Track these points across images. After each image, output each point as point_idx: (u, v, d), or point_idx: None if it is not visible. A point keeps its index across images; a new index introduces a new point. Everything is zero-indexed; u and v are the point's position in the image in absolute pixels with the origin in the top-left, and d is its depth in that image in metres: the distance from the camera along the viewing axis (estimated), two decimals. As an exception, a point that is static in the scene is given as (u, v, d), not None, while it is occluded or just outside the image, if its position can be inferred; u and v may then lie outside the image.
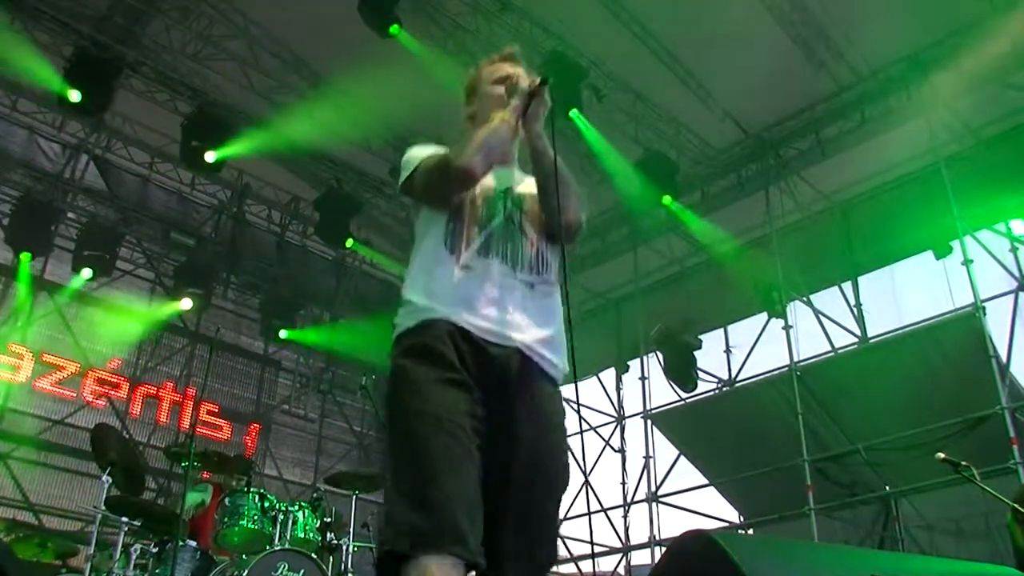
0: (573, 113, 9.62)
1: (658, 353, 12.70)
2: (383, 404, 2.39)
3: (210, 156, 10.39)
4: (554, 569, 2.20)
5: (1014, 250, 9.92)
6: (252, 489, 5.81)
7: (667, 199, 10.81)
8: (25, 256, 10.50)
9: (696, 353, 12.40)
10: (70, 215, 11.16)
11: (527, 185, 2.66)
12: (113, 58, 9.69)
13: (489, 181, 2.57)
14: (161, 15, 10.01)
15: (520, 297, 2.44)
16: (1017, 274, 9.87)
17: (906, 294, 10.62)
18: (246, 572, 5.08)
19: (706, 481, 11.95)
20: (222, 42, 10.43)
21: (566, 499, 2.42)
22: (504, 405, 2.27)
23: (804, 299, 11.45)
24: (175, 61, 10.43)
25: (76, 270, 10.86)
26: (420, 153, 2.60)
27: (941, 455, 4.80)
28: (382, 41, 9.11)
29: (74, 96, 9.24)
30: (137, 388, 11.34)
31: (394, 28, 9.06)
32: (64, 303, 11.17)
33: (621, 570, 12.67)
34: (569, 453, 2.42)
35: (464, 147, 2.46)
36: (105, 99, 9.63)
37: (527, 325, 2.40)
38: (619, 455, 13.51)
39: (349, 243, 12.07)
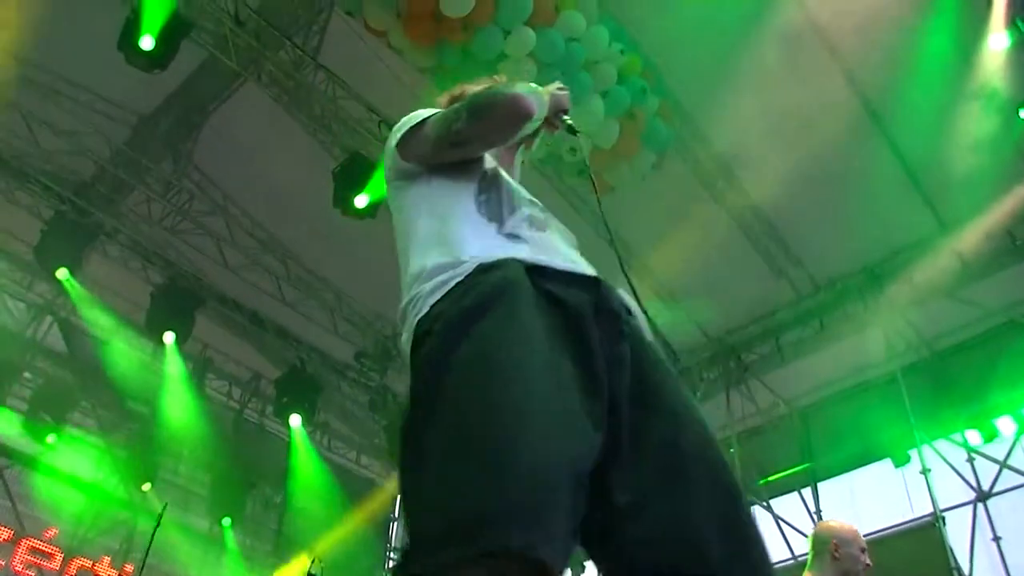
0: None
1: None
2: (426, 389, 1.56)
3: (168, 337, 10.49)
4: None
5: (971, 461, 10.00)
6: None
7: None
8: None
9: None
10: (26, 375, 10.99)
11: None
12: (90, 223, 9.84)
13: (505, 174, 2.14)
14: (144, 187, 10.28)
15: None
16: (975, 485, 9.90)
17: (866, 501, 10.56)
18: None
19: None
20: (199, 217, 10.67)
21: None
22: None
23: (764, 504, 11.35)
24: (151, 231, 10.59)
25: (25, 430, 10.59)
26: (428, 109, 2.14)
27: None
28: (354, 225, 9.23)
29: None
30: (71, 561, 10.78)
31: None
32: (4, 464, 10.84)
33: None
34: None
35: (513, 84, 2.06)
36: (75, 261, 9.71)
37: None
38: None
39: (295, 421, 11.91)
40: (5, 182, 9.64)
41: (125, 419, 11.81)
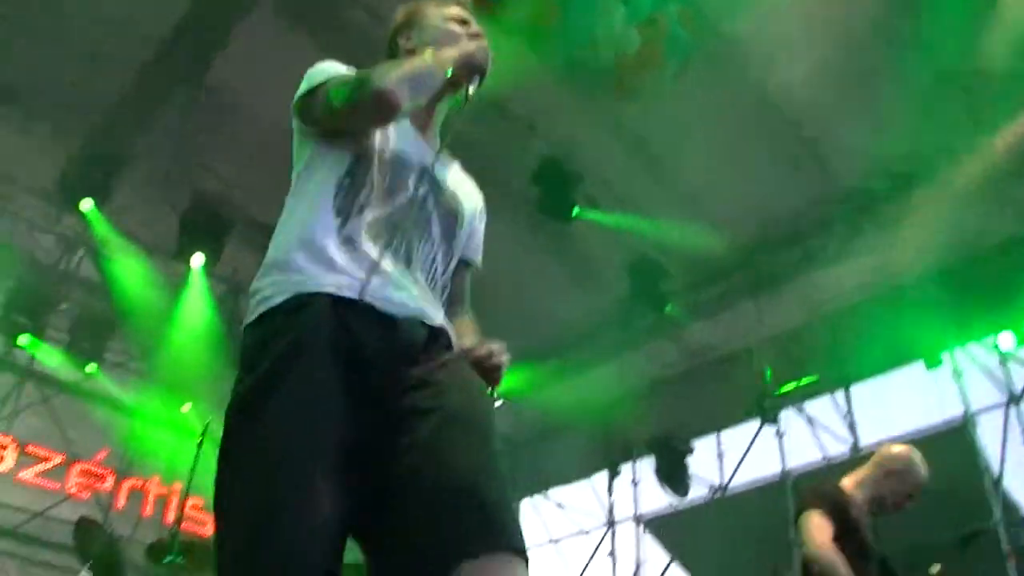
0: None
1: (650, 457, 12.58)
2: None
3: (197, 260, 10.58)
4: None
5: (1004, 363, 9.96)
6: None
7: (670, 307, 10.97)
8: (24, 339, 10.46)
9: (688, 458, 12.27)
10: (63, 306, 11.13)
11: (453, 173, 2.24)
12: (113, 153, 9.80)
13: (400, 145, 2.12)
14: (166, 112, 10.11)
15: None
16: (1008, 387, 9.89)
17: (898, 404, 10.61)
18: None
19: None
20: (224, 140, 10.54)
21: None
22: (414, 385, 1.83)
23: (797, 407, 11.42)
24: (177, 156, 10.52)
25: (68, 360, 10.83)
26: (332, 68, 2.11)
27: (937, 568, 4.73)
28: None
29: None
30: (123, 481, 11.18)
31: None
32: (52, 393, 11.10)
33: None
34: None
35: (388, 70, 1.99)
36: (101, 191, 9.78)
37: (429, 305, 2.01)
38: (610, 560, 13.18)
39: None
40: (26, 115, 9.60)
41: (160, 344, 11.94)
